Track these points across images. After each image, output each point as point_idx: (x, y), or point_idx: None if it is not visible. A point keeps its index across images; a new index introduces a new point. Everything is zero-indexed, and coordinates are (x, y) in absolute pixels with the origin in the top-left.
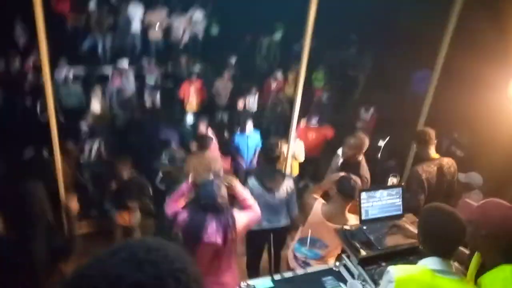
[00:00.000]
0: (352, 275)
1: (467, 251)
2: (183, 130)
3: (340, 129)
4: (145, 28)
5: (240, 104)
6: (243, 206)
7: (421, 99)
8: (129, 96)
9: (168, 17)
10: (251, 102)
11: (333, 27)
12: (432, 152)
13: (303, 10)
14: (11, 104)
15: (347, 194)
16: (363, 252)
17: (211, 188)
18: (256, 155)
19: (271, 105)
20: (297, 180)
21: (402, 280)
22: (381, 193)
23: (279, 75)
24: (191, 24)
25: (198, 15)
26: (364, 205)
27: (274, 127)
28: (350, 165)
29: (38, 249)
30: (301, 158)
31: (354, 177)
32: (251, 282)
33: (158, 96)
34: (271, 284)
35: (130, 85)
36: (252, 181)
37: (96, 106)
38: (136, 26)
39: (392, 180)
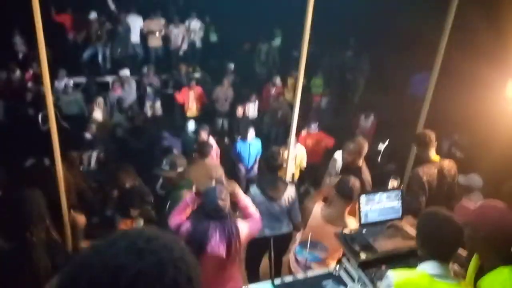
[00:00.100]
0: (352, 279)
1: (464, 253)
2: (184, 137)
3: (339, 134)
4: (145, 36)
5: (240, 111)
6: (244, 214)
7: (420, 101)
8: (130, 103)
9: (166, 26)
10: (251, 109)
11: (331, 32)
12: (433, 154)
13: (301, 15)
14: (13, 114)
15: (346, 196)
16: (362, 256)
17: (214, 194)
18: (257, 162)
19: (270, 111)
20: (297, 185)
21: (401, 284)
22: (380, 196)
23: (277, 81)
24: (189, 32)
25: (195, 23)
26: (363, 208)
27: (274, 133)
28: (351, 170)
29: (37, 254)
30: (304, 163)
31: (352, 178)
32: (252, 286)
33: (159, 103)
34: None
35: (131, 93)
36: (254, 189)
37: (98, 114)
38: (136, 35)
39: (392, 183)
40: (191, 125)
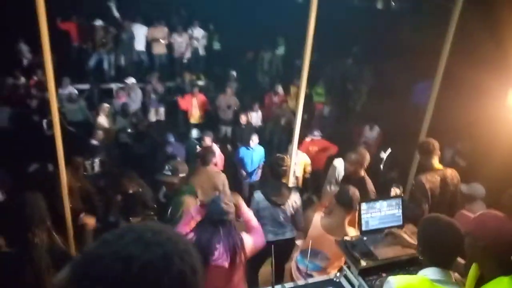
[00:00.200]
0: (353, 286)
1: (463, 262)
2: (188, 144)
3: (341, 142)
4: (149, 43)
5: (243, 119)
6: (247, 228)
7: (423, 110)
8: (134, 110)
9: (170, 35)
10: (254, 117)
11: (333, 41)
12: (436, 163)
13: (304, 24)
14: (18, 120)
15: (346, 205)
16: (363, 263)
17: (218, 200)
18: (260, 169)
19: (273, 118)
20: (300, 192)
21: None
22: (381, 204)
23: (279, 89)
24: (192, 40)
25: (198, 32)
26: (364, 216)
27: (277, 140)
28: (353, 181)
29: (39, 255)
30: (309, 168)
31: (352, 188)
32: None
33: (162, 109)
34: None
35: (136, 100)
36: (258, 194)
37: (103, 120)
38: (140, 43)
39: (395, 191)
40: (194, 133)
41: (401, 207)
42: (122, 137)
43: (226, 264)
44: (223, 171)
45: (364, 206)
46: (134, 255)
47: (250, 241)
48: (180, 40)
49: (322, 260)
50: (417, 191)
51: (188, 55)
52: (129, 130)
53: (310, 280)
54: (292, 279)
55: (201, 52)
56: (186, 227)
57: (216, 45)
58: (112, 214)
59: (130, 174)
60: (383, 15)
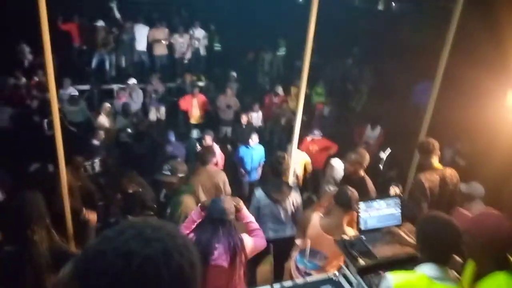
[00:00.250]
0: (351, 285)
1: (460, 260)
2: (188, 144)
3: (342, 142)
4: (150, 44)
5: (244, 119)
6: (248, 231)
7: (423, 110)
8: (135, 110)
9: (171, 36)
10: (255, 117)
11: (334, 42)
12: (435, 162)
13: (305, 25)
14: (19, 120)
15: (344, 205)
16: (361, 262)
17: (220, 202)
18: (260, 168)
19: (273, 118)
20: (301, 192)
21: (400, 286)
22: (379, 204)
23: (280, 90)
24: (193, 40)
25: (199, 32)
26: (362, 215)
27: (277, 140)
28: (353, 181)
29: (39, 252)
30: (310, 167)
31: (351, 188)
32: None
33: (163, 109)
34: None
35: (137, 100)
36: (259, 192)
37: (104, 120)
38: (142, 44)
39: (394, 190)
40: (194, 133)
41: (399, 206)
42: (123, 136)
43: (226, 264)
44: (223, 171)
45: (362, 205)
46: (134, 250)
47: (251, 242)
48: (181, 41)
49: (321, 260)
50: (416, 190)
51: (189, 55)
52: (129, 130)
53: (309, 279)
54: (291, 278)
55: (202, 52)
56: (187, 231)
57: (217, 46)
58: (112, 213)
59: (130, 174)
60: (384, 16)
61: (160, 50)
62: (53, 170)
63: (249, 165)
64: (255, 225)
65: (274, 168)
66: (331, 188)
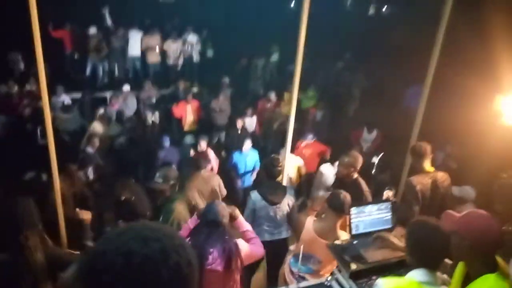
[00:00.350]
0: None
1: (450, 262)
2: (182, 151)
3: (335, 146)
4: (144, 52)
5: (240, 124)
6: (245, 239)
7: (414, 114)
8: (129, 117)
9: (163, 41)
10: (248, 122)
11: (326, 47)
12: (427, 166)
13: (297, 31)
14: (11, 128)
15: (338, 209)
16: (353, 266)
17: (214, 205)
18: (255, 174)
19: (266, 122)
20: (296, 195)
21: None
22: (370, 208)
23: (272, 95)
24: (186, 45)
25: (192, 37)
26: (354, 220)
27: (271, 145)
28: (346, 184)
29: (34, 257)
30: (303, 170)
31: (344, 192)
32: None
33: (157, 116)
34: None
35: (131, 107)
36: (254, 194)
37: (98, 127)
38: (135, 50)
39: (387, 194)
40: (188, 139)
41: (390, 210)
42: (117, 143)
43: (221, 268)
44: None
45: (354, 210)
46: (133, 250)
47: (247, 247)
48: (174, 47)
49: (314, 264)
50: (408, 193)
51: (182, 61)
52: (123, 137)
53: (302, 284)
54: (285, 282)
55: (196, 58)
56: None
57: (210, 52)
58: (105, 220)
59: (124, 181)
60: (374, 20)
61: (153, 58)
62: (47, 178)
63: (243, 171)
64: (252, 233)
65: (269, 171)
66: (321, 194)
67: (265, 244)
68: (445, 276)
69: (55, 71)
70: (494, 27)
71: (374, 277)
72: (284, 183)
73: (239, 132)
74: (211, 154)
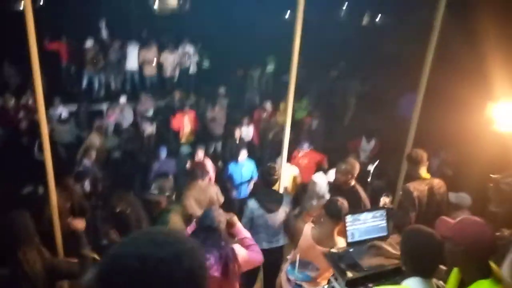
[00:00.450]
0: None
1: (444, 268)
2: (179, 162)
3: (331, 155)
4: (140, 65)
5: (237, 134)
6: (243, 246)
7: (408, 121)
8: (126, 129)
9: (160, 53)
10: (244, 132)
11: (320, 56)
12: (423, 173)
13: (292, 42)
14: (7, 141)
15: (335, 216)
16: (349, 274)
17: (210, 211)
18: (252, 184)
19: (261, 132)
20: (292, 205)
21: None
22: (365, 216)
23: (268, 105)
24: (183, 56)
25: (189, 48)
26: (349, 228)
27: (267, 154)
28: (343, 191)
29: (34, 271)
30: (299, 179)
31: (341, 199)
32: None
33: (154, 128)
34: None
35: (127, 118)
36: (252, 202)
37: (95, 139)
38: (131, 62)
39: (384, 200)
40: (185, 149)
41: (385, 218)
42: (114, 155)
43: (218, 274)
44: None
45: (349, 218)
46: (148, 253)
47: (244, 253)
48: (171, 58)
49: (312, 271)
50: (405, 199)
51: (178, 72)
52: (120, 149)
53: None
54: None
55: (192, 69)
56: None
57: (206, 63)
58: (102, 232)
59: (120, 193)
60: (368, 30)
61: (150, 71)
62: (43, 191)
63: (239, 181)
64: (250, 240)
65: (265, 179)
66: (314, 203)
67: (263, 252)
68: (440, 282)
69: (52, 83)
70: (486, 36)
71: (370, 285)
72: (281, 191)
73: (237, 142)
74: (209, 163)
